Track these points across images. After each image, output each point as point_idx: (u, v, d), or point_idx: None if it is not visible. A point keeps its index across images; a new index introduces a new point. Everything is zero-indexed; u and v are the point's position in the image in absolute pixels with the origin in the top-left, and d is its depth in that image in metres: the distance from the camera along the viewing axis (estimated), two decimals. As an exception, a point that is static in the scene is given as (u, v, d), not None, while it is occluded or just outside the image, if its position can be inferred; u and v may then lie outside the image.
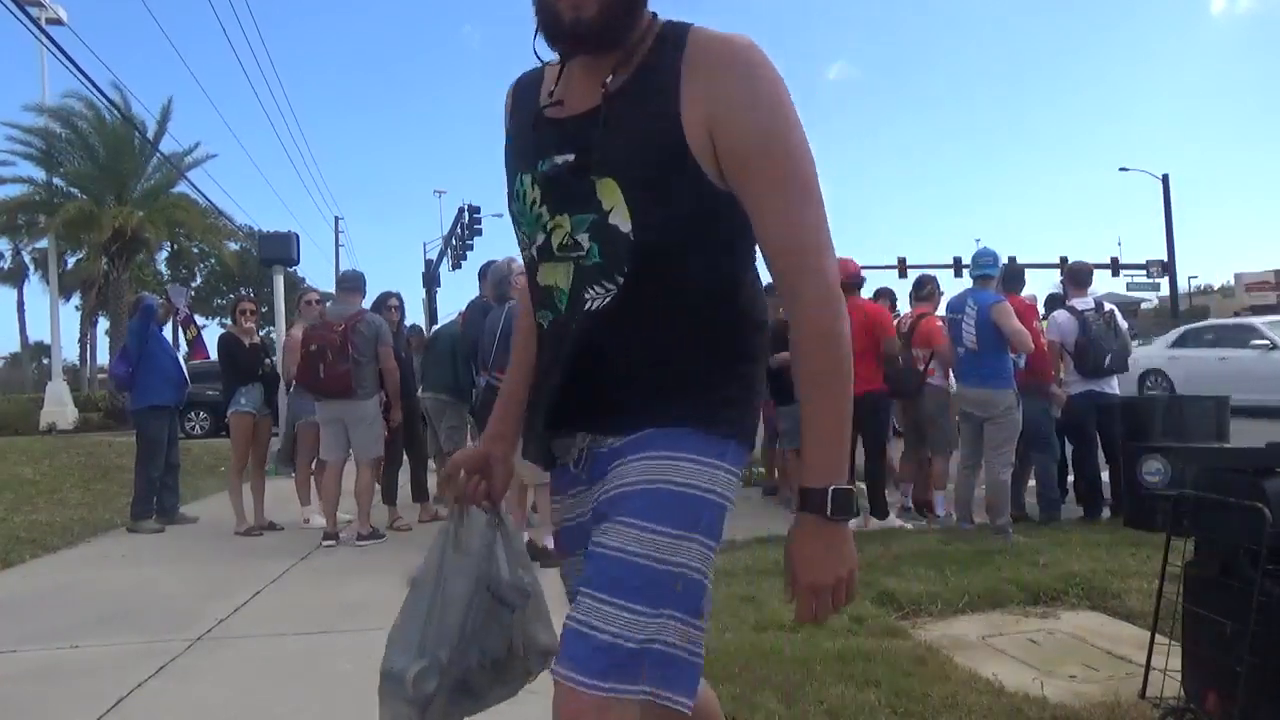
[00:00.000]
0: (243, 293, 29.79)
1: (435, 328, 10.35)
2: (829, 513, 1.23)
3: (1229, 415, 5.76)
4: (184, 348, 12.11)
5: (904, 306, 7.28)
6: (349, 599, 4.43)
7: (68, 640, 3.82)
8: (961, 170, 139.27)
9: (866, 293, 6.43)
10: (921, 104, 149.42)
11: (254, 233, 19.39)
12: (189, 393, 7.21)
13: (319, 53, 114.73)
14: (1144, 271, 34.01)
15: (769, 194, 1.25)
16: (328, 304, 6.49)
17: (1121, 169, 37.22)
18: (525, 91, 1.43)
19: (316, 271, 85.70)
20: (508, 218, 1.44)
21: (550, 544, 3.92)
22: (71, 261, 25.85)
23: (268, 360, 6.79)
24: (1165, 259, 32.66)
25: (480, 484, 1.49)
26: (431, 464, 7.13)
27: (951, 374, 6.14)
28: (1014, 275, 6.38)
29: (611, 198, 1.26)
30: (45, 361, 37.56)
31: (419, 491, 6.95)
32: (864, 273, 6.27)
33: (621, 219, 1.26)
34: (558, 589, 1.56)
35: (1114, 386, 6.06)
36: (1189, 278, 52.07)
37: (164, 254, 30.41)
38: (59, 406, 19.66)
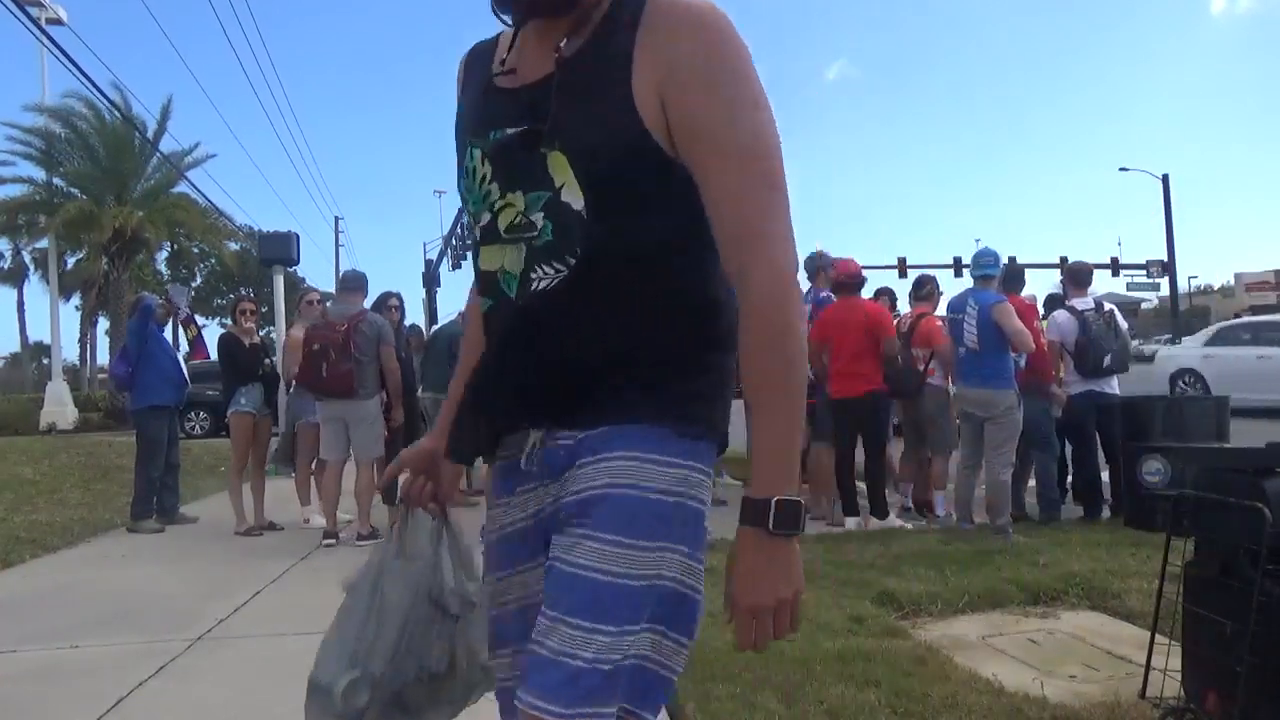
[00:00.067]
0: (243, 293, 29.75)
1: (435, 327, 10.36)
2: (771, 526, 1.09)
3: (1229, 415, 5.76)
4: (184, 348, 12.13)
5: (904, 306, 7.28)
6: (349, 599, 4.42)
7: (68, 640, 3.81)
8: (961, 170, 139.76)
9: (866, 293, 6.43)
10: (921, 103, 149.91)
11: (254, 233, 19.41)
12: (189, 393, 7.20)
13: (319, 53, 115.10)
14: (1144, 271, 34.05)
15: (721, 172, 1.13)
16: (329, 304, 6.49)
17: (1121, 169, 37.41)
18: (478, 60, 1.33)
19: (316, 271, 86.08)
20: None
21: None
22: (71, 261, 25.86)
23: (268, 360, 6.79)
24: (1165, 259, 32.70)
25: (426, 485, 1.39)
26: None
27: (950, 374, 6.15)
28: (1014, 275, 6.39)
29: (563, 173, 1.16)
30: (45, 361, 37.53)
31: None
32: (864, 273, 6.27)
33: (574, 196, 1.15)
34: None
35: (1114, 386, 6.06)
36: (1189, 278, 52.37)
37: (164, 254, 30.46)
38: (59, 406, 19.64)
